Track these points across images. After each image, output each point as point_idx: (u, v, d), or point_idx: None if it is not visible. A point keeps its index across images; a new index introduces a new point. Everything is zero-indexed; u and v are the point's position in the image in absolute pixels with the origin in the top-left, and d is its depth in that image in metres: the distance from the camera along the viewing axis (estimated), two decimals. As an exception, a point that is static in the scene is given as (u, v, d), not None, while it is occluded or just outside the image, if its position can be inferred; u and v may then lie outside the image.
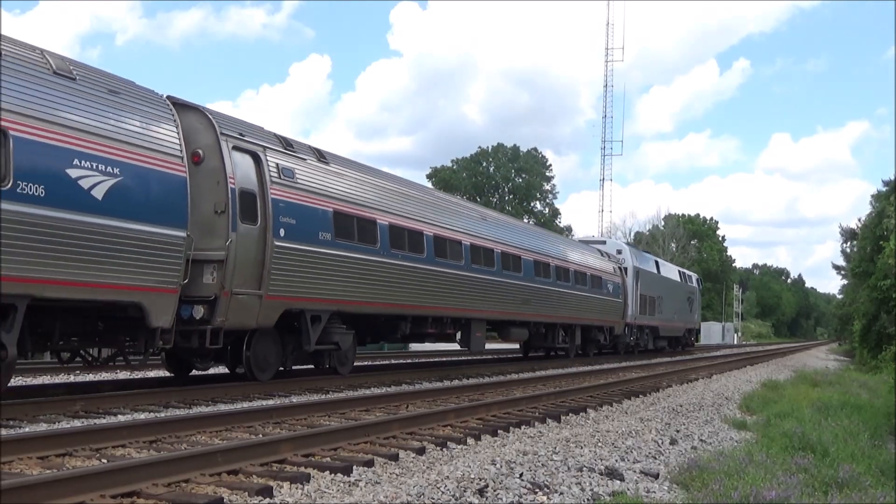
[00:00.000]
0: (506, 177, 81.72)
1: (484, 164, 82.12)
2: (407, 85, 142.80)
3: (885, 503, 6.27)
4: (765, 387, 17.62)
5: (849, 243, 55.87)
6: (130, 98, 10.46)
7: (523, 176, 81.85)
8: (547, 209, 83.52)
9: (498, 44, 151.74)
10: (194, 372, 13.65)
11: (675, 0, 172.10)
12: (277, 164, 12.60)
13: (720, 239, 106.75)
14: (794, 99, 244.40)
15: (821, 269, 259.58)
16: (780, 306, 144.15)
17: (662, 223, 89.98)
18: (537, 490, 5.97)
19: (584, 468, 6.86)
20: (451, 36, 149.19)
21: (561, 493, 6.02)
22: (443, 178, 77.68)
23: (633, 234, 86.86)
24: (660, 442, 8.87)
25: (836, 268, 66.28)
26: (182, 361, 13.21)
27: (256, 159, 12.21)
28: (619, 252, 31.83)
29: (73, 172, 9.15)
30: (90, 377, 14.51)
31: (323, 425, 8.67)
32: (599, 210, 79.70)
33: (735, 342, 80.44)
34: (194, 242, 10.91)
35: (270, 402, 11.00)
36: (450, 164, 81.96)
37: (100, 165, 9.48)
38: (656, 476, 7.08)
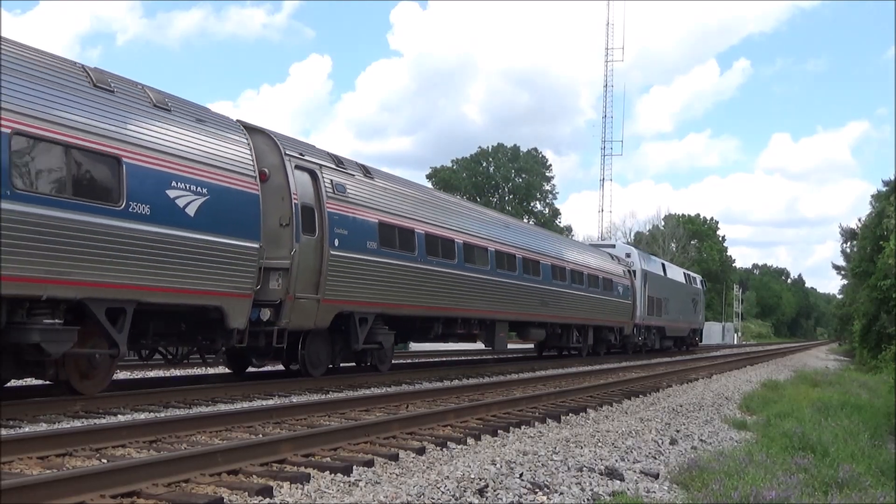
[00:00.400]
0: (506, 177, 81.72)
1: (484, 164, 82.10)
2: (407, 85, 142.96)
3: (885, 503, 6.27)
4: (765, 387, 17.62)
5: (849, 243, 55.85)
6: (213, 125, 11.87)
7: (523, 176, 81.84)
8: (547, 209, 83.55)
9: (498, 44, 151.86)
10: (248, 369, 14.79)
11: (675, 0, 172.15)
12: (331, 181, 13.90)
13: (720, 239, 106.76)
14: (794, 99, 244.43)
15: (821, 269, 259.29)
16: (780, 306, 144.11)
17: (662, 223, 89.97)
18: (537, 490, 5.98)
19: (584, 468, 6.86)
20: (452, 36, 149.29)
21: (561, 493, 6.02)
22: (443, 178, 77.65)
23: (633, 234, 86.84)
24: (660, 442, 8.87)
25: (836, 268, 66.28)
26: (241, 359, 14.32)
27: (314, 176, 13.50)
28: (628, 255, 33.11)
29: (172, 193, 10.55)
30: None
31: (323, 425, 8.68)
32: (599, 210, 79.81)
33: (735, 342, 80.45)
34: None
35: (270, 402, 11.00)
36: (450, 165, 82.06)
37: (192, 186, 10.86)
38: (656, 476, 7.09)
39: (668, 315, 36.51)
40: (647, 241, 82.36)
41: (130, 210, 9.86)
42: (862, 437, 9.84)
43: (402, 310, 15.66)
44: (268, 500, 5.48)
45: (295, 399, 11.58)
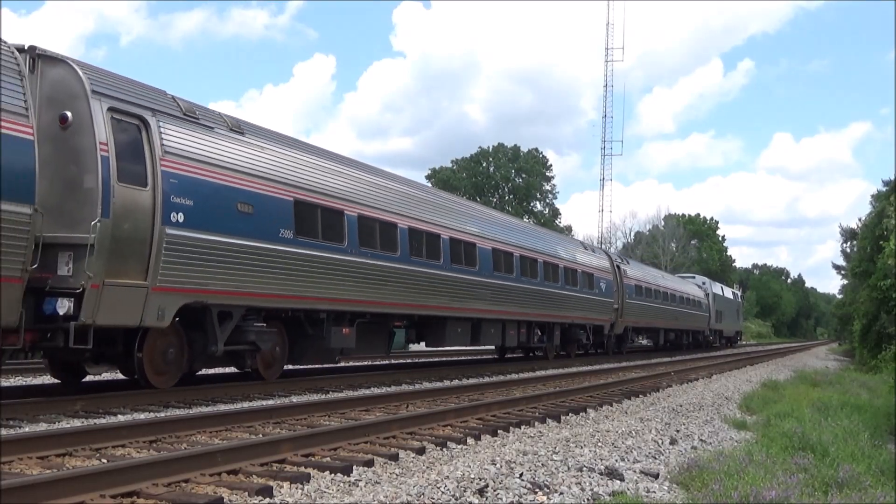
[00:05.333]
0: (506, 177, 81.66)
1: (484, 164, 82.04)
2: (409, 85, 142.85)
3: (885, 503, 6.27)
4: (765, 387, 17.62)
5: (849, 243, 55.91)
6: (591, 248, 30.56)
7: (523, 176, 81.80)
8: (547, 209, 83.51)
9: (501, 44, 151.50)
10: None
11: (679, 0, 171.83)
12: (623, 269, 31.41)
13: (720, 239, 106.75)
14: (796, 99, 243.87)
15: (821, 269, 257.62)
16: (780, 306, 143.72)
17: (662, 223, 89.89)
18: (537, 490, 5.97)
19: (584, 468, 6.86)
20: (454, 36, 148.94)
21: (561, 493, 6.02)
22: (442, 179, 77.54)
23: (633, 234, 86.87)
24: (660, 442, 8.87)
25: (836, 268, 66.40)
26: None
27: (616, 265, 30.75)
28: (703, 283, 50.16)
29: (599, 282, 27.83)
30: (90, 377, 14.49)
31: (323, 425, 8.68)
32: (599, 210, 79.83)
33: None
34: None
35: (270, 402, 11.01)
36: (449, 165, 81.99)
37: (601, 280, 27.92)
38: (656, 476, 7.08)
39: (724, 322, 52.33)
40: (647, 242, 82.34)
41: (590, 289, 26.39)
42: (862, 437, 9.82)
43: (639, 324, 33.45)
44: (268, 500, 5.48)
45: (295, 399, 11.58)
